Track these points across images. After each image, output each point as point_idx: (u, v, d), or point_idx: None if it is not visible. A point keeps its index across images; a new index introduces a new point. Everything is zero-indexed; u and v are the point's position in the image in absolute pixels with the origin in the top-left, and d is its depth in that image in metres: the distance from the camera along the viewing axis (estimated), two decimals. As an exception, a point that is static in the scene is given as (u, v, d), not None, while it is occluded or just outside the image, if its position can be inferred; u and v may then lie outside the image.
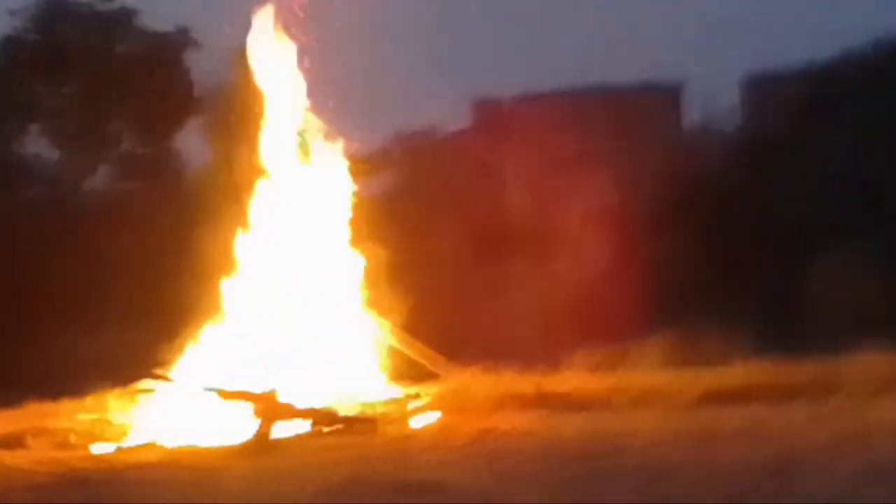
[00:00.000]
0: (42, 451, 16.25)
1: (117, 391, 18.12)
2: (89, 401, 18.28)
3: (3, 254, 26.62)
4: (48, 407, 18.42)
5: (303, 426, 16.61)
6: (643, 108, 32.51)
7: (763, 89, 31.64)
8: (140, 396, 17.72)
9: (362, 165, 20.33)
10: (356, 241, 19.25)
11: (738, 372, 18.04)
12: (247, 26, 19.24)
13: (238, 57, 19.64)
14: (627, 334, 19.62)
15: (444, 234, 26.81)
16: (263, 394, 16.46)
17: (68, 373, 20.15)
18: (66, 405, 18.36)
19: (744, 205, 26.66)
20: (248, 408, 16.39)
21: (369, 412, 16.97)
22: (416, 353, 18.74)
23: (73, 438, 16.84)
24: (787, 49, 32.31)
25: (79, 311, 24.62)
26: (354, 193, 19.54)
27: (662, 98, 33.02)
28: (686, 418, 15.82)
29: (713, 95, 31.00)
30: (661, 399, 17.05)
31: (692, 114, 32.71)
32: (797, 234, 25.50)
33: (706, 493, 11.82)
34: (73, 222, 27.46)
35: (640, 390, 17.48)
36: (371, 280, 19.08)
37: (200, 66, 29.88)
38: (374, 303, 18.94)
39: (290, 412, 16.48)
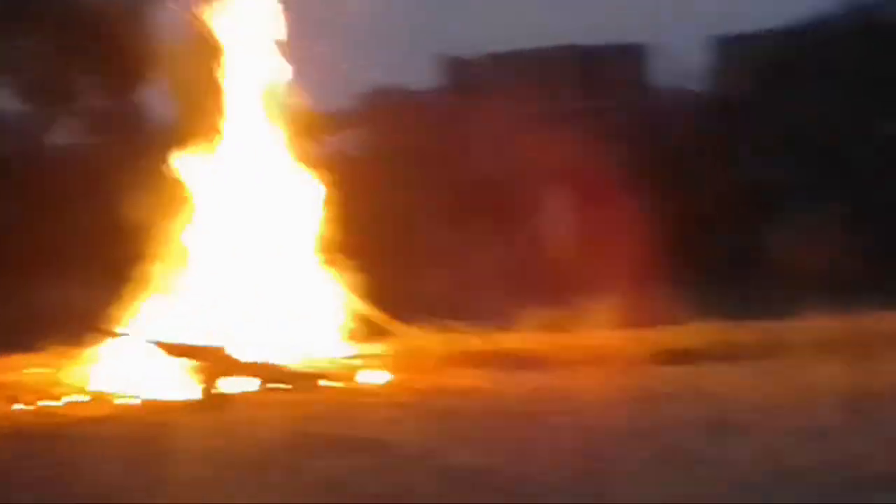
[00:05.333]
0: (-10, 405, 16.29)
1: (68, 346, 18.17)
2: (40, 356, 18.33)
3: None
4: (-1, 361, 18.50)
5: (252, 382, 16.68)
6: (610, 68, 32.57)
7: (730, 51, 31.72)
8: (90, 351, 17.78)
9: (329, 122, 20.31)
10: (317, 198, 19.26)
11: (687, 333, 18.23)
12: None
13: (204, 11, 19.57)
14: (580, 294, 19.72)
15: (405, 192, 26.84)
16: (210, 349, 16.53)
17: (21, 327, 20.14)
18: (17, 360, 18.41)
19: (703, 166, 26.77)
20: (195, 363, 16.46)
21: (318, 369, 17.03)
22: (370, 311, 18.81)
23: (21, 393, 16.85)
24: (755, 11, 32.43)
25: (35, 266, 24.59)
26: (320, 150, 19.55)
27: (629, 58, 33.08)
28: (632, 378, 15.97)
29: (680, 56, 31.10)
30: (610, 359, 17.19)
31: (659, 74, 32.79)
32: (754, 197, 25.63)
33: (642, 450, 11.94)
34: (34, 176, 27.40)
35: (590, 350, 17.61)
36: (328, 239, 19.12)
37: (166, 19, 29.74)
38: (329, 261, 18.98)
39: (237, 368, 16.54)
